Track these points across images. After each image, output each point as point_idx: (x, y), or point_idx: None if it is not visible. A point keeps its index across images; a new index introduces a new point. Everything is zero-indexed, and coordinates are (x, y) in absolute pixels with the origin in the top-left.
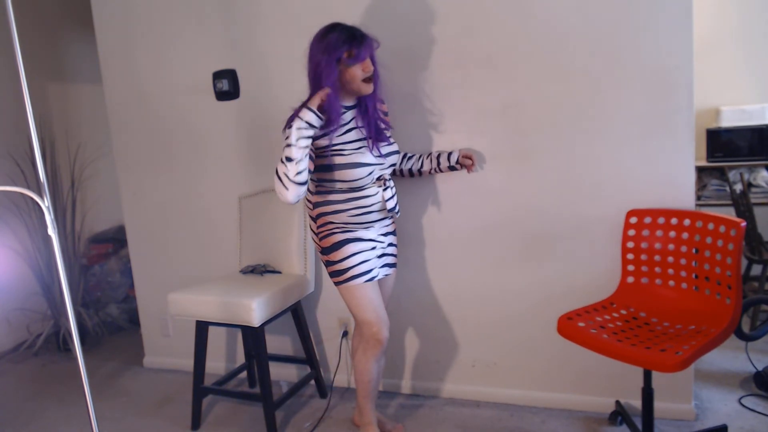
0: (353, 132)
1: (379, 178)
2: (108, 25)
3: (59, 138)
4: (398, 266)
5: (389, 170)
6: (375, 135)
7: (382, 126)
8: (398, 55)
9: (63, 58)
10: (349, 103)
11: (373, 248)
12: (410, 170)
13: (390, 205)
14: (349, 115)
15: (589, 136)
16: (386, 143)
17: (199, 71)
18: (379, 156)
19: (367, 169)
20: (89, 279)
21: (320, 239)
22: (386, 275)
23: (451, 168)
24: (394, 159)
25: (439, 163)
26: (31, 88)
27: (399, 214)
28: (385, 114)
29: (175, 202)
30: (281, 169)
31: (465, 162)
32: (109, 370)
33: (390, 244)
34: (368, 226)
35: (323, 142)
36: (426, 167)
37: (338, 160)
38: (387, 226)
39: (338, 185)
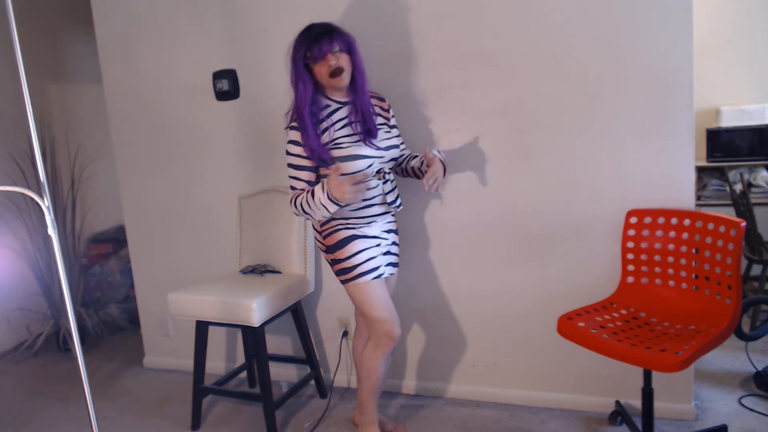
0: (347, 127)
1: (378, 171)
2: (108, 25)
3: (59, 138)
4: (399, 266)
5: (390, 164)
6: (365, 131)
7: (379, 122)
8: (399, 55)
9: (63, 58)
10: (340, 98)
11: (378, 245)
12: (412, 168)
13: (390, 198)
14: (343, 112)
15: (589, 136)
16: (382, 138)
17: (199, 71)
18: (376, 149)
19: (366, 162)
20: (89, 279)
21: (324, 237)
22: (390, 275)
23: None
24: (395, 153)
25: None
26: (31, 88)
27: (401, 207)
28: (386, 111)
29: (175, 201)
30: (304, 208)
31: (426, 169)
32: (109, 370)
33: (393, 243)
34: (370, 221)
35: (324, 139)
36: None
37: (336, 153)
38: (389, 222)
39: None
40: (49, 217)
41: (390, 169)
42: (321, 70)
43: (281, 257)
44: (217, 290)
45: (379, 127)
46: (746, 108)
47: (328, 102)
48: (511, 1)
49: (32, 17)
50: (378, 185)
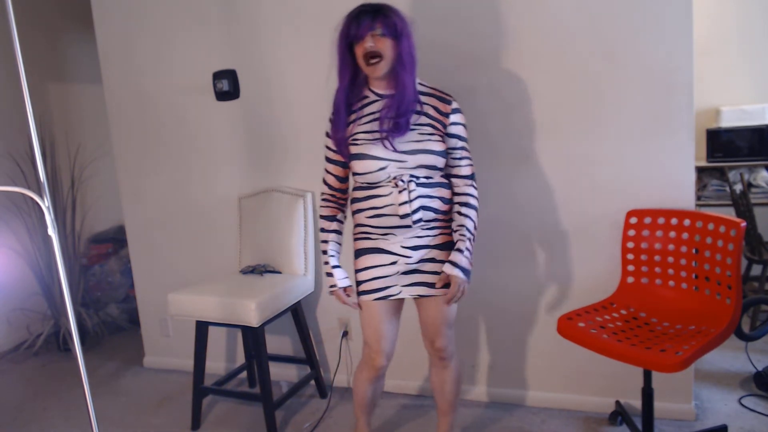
0: (372, 123)
1: (395, 177)
2: (108, 25)
3: (59, 138)
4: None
5: (418, 171)
6: (391, 128)
7: (421, 122)
8: None
9: (63, 58)
10: (381, 91)
11: (394, 263)
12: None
13: (403, 210)
14: (377, 105)
15: (590, 136)
16: (411, 140)
17: (199, 71)
18: (393, 151)
19: (377, 163)
20: (89, 279)
21: (354, 242)
22: (424, 296)
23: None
24: (426, 159)
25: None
26: (31, 88)
27: (419, 223)
28: (444, 114)
29: (175, 202)
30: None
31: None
32: (109, 370)
33: (425, 260)
34: (386, 233)
35: (348, 132)
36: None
37: (352, 149)
38: (417, 237)
39: (359, 179)
40: (49, 217)
41: (422, 176)
42: (358, 53)
43: (281, 257)
44: (217, 290)
45: (415, 127)
46: (746, 108)
47: (368, 93)
48: (511, 1)
49: (32, 17)
50: (391, 193)
